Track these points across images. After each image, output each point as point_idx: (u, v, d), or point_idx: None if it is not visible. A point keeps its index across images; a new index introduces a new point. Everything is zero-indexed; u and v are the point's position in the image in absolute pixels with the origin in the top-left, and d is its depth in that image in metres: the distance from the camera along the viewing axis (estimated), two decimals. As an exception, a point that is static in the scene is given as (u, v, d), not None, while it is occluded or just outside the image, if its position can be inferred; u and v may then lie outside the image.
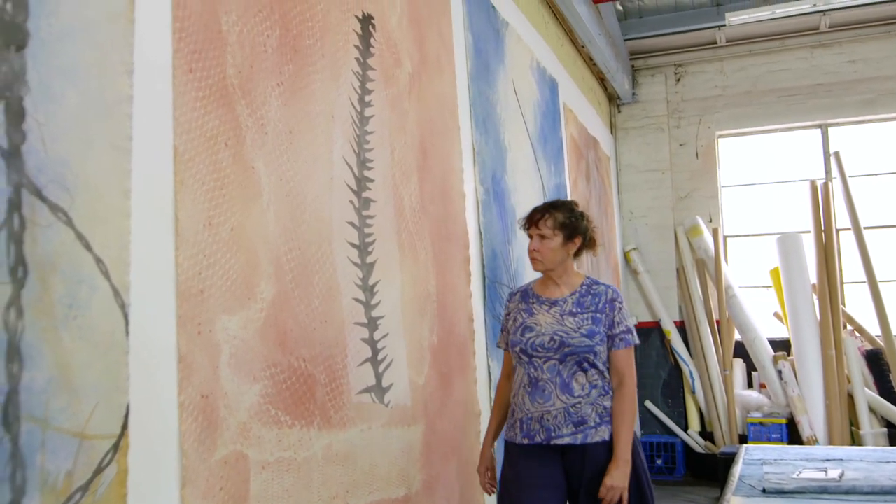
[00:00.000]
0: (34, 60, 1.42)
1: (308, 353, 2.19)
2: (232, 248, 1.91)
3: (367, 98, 2.67)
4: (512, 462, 2.65)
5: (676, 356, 7.56)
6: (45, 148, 1.43)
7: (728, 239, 7.85)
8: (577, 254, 2.73)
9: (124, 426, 1.54)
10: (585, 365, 2.56)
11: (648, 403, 7.68)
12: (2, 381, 1.30)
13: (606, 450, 2.54)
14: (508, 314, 2.77)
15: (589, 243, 2.75)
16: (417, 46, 3.12)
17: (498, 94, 4.12)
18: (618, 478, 2.48)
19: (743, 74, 7.78)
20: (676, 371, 7.65)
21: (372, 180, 2.65)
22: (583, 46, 6.48)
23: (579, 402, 2.54)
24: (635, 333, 2.66)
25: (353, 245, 2.48)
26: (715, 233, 7.44)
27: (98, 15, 1.57)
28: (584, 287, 2.69)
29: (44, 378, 1.38)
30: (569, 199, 2.66)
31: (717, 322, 7.39)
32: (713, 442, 7.29)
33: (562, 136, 5.53)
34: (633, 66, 8.09)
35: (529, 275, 4.29)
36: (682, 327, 7.67)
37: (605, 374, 2.60)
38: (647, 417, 7.71)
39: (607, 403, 2.58)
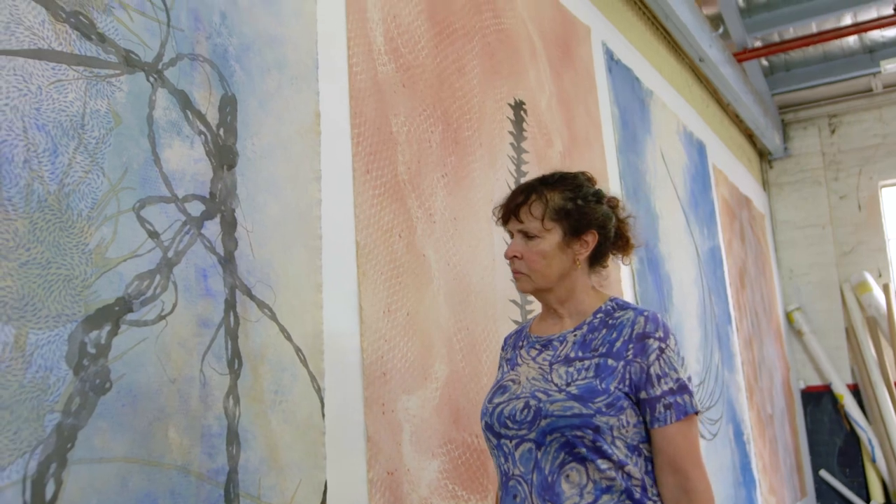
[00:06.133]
0: (242, 177, 1.63)
1: (479, 429, 2.27)
2: (409, 331, 2.05)
3: (521, 179, 2.79)
4: None
5: (852, 422, 7.10)
6: (253, 252, 1.62)
7: (901, 294, 7.37)
8: (595, 261, 1.61)
9: (323, 502, 1.68)
10: (582, 451, 1.40)
11: (824, 473, 7.22)
12: (223, 462, 1.47)
13: None
14: (499, 368, 1.71)
15: (617, 242, 1.62)
16: (567, 125, 3.24)
17: (646, 163, 4.16)
18: None
19: (905, 120, 7.41)
20: (853, 438, 7.17)
21: (530, 258, 2.74)
22: (728, 105, 6.41)
23: None
24: (692, 395, 1.45)
25: (515, 322, 2.57)
26: (885, 289, 7.02)
27: (291, 132, 1.78)
28: (601, 315, 1.53)
29: (256, 458, 1.54)
30: (577, 171, 1.65)
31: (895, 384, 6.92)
32: (901, 515, 6.75)
33: (713, 198, 5.46)
34: (783, 121, 7.88)
35: (690, 339, 4.23)
36: (856, 390, 7.22)
37: (632, 466, 1.42)
38: (823, 488, 7.24)
39: None
